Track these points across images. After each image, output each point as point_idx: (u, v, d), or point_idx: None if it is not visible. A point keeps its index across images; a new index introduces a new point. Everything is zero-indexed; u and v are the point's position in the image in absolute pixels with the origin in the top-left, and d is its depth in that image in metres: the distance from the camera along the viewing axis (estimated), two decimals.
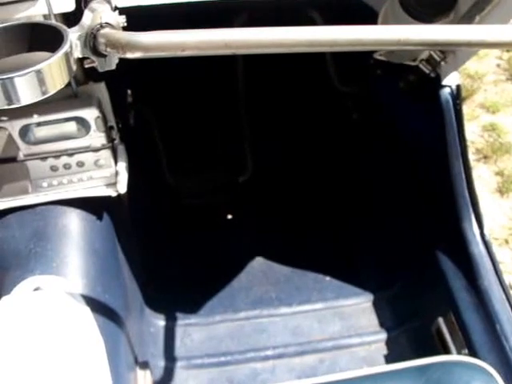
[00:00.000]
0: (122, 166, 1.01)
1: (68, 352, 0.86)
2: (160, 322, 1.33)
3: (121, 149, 1.03)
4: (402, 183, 1.41)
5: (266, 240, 1.51)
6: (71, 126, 0.96)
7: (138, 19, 0.75)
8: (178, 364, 1.27)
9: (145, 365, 1.16)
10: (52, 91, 0.65)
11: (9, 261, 0.99)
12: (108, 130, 0.99)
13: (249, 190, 1.61)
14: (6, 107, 0.67)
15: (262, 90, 1.53)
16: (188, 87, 1.44)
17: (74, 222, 1.03)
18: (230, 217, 1.58)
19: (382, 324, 1.33)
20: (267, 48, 0.60)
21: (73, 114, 0.95)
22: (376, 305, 1.37)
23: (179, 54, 0.63)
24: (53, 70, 0.63)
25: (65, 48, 0.62)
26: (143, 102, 1.49)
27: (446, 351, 1.17)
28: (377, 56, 1.16)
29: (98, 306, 0.96)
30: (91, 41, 0.67)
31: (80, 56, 0.66)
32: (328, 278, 1.42)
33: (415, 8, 0.98)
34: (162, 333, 1.31)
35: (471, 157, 1.93)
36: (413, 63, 1.13)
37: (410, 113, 1.32)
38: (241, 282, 1.41)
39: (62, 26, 0.65)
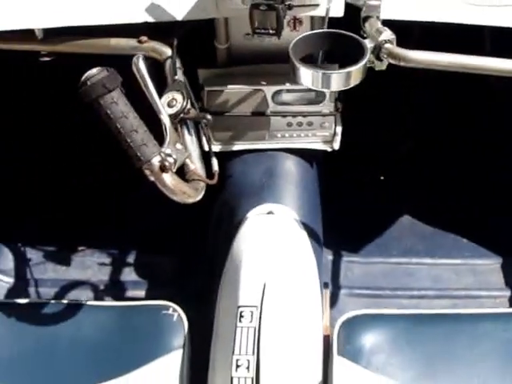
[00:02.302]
0: (339, 129, 1.31)
1: (295, 260, 1.18)
2: (329, 256, 1.65)
3: (338, 116, 1.31)
4: None
5: (414, 199, 1.78)
6: (311, 95, 1.25)
7: None
8: (342, 291, 1.59)
9: (326, 285, 1.48)
10: (351, 85, 0.95)
11: (246, 189, 1.31)
12: (335, 101, 1.28)
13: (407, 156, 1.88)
14: (319, 89, 0.97)
15: None
16: None
17: (296, 165, 1.34)
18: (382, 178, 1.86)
19: (507, 283, 1.60)
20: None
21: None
22: (504, 267, 1.63)
23: (432, 67, 0.93)
24: (356, 73, 0.93)
25: (367, 58, 0.92)
26: None
27: None
28: None
29: (308, 232, 1.27)
30: (377, 51, 0.96)
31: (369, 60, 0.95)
32: (465, 241, 1.69)
33: None
34: (331, 265, 1.63)
35: None
36: None
37: None
38: (393, 233, 1.71)
39: (363, 41, 0.94)
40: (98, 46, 1.15)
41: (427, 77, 1.58)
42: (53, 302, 1.31)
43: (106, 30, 1.13)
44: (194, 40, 1.24)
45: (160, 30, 1.16)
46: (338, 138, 1.31)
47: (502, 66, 0.95)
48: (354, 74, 0.93)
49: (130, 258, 1.68)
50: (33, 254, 1.68)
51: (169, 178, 0.89)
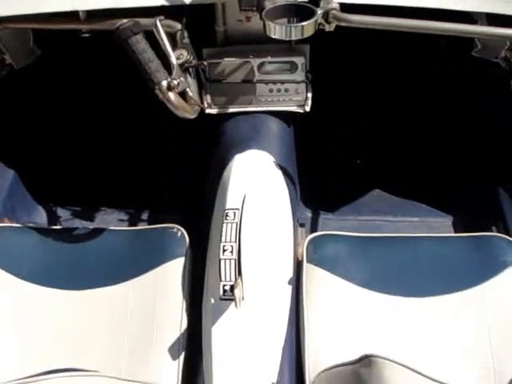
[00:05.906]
0: (310, 95, 1.67)
1: (271, 185, 1.53)
2: (308, 213, 2.01)
3: (309, 84, 1.67)
4: None
5: (381, 172, 2.16)
6: (287, 66, 1.62)
7: None
8: None
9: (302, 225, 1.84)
10: (305, 36, 1.31)
11: (236, 141, 1.65)
12: (306, 72, 1.64)
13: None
14: (284, 38, 1.33)
15: None
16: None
17: (275, 123, 1.69)
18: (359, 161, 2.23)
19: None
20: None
21: (289, 59, 1.61)
22: (453, 223, 2.02)
23: (371, 27, 1.28)
24: (307, 26, 1.29)
25: (315, 18, 1.28)
26: None
27: None
28: (473, 53, 1.74)
29: (284, 172, 1.60)
30: (325, 15, 1.32)
31: (318, 22, 1.31)
32: (423, 205, 2.04)
33: None
34: (310, 220, 1.99)
35: None
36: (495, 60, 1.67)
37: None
38: (365, 199, 2.07)
39: (314, 7, 1.30)
40: None
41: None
42: (81, 227, 1.67)
43: (131, 11, 1.51)
44: (199, 26, 1.61)
45: (171, 11, 1.54)
46: (309, 102, 1.67)
47: (432, 26, 1.27)
48: (306, 27, 1.29)
49: (144, 216, 2.05)
50: (63, 213, 2.07)
51: (173, 96, 1.26)
